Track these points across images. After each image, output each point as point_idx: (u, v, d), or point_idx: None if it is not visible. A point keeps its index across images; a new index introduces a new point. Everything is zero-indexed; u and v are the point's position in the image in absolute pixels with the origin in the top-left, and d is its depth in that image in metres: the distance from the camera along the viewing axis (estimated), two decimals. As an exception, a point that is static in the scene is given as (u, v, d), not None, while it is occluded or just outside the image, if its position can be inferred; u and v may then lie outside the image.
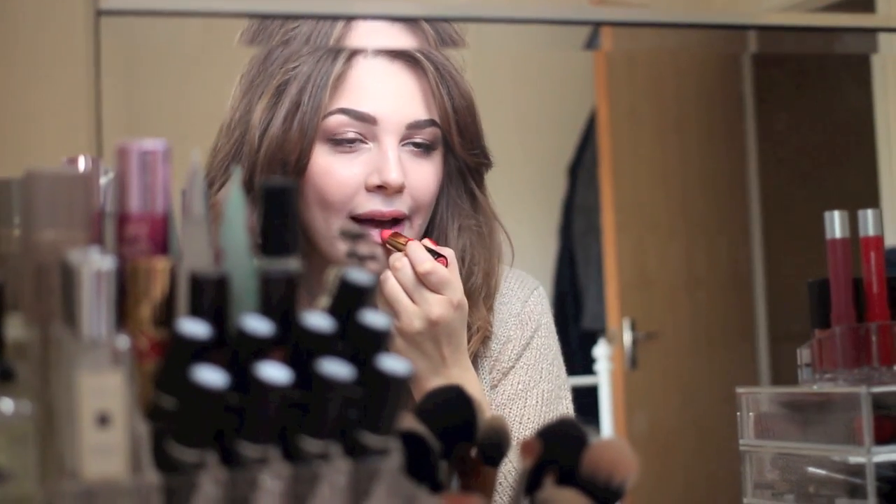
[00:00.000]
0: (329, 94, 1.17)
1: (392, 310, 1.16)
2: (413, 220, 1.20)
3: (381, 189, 1.18)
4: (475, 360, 1.25)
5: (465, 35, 1.26)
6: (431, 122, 1.20)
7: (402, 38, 1.22)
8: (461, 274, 1.21)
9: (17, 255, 0.76)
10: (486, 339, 1.26)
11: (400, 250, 1.17)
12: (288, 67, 1.19)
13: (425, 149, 1.21)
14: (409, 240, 1.17)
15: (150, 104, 3.50)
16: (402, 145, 1.19)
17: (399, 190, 1.18)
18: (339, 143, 1.18)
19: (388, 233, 1.19)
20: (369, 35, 1.21)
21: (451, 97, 1.21)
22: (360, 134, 1.18)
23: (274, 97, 1.18)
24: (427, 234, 1.24)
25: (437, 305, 1.14)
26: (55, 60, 3.17)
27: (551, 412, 1.26)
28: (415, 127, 1.19)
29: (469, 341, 1.22)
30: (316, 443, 0.67)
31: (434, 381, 1.15)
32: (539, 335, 1.28)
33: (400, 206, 1.18)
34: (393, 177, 1.17)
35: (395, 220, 1.19)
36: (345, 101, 1.18)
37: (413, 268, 1.15)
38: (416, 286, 1.15)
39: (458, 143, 1.22)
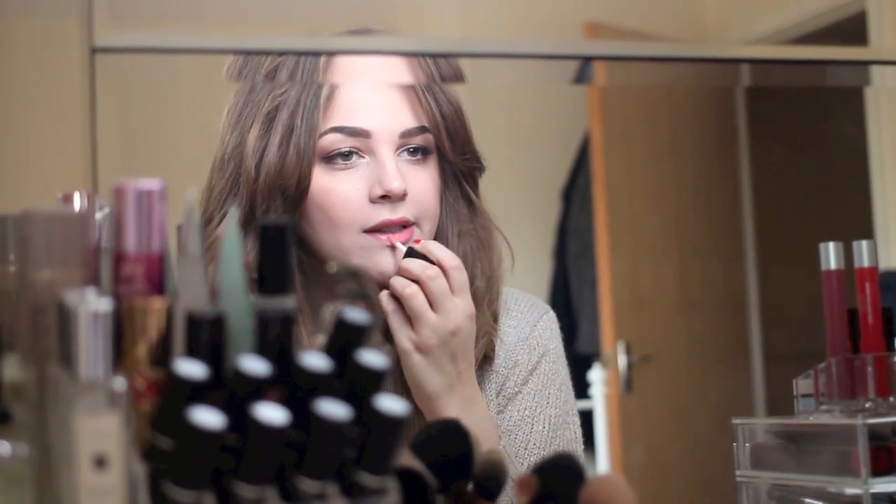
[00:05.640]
0: (322, 114, 1.18)
1: (413, 324, 1.17)
2: (421, 225, 1.22)
3: (385, 199, 1.19)
4: (480, 380, 1.25)
5: (461, 65, 1.27)
6: (423, 129, 1.22)
7: (387, 59, 1.23)
8: None
9: (12, 293, 0.76)
10: (490, 359, 1.26)
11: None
12: (276, 94, 1.20)
13: (421, 155, 1.22)
14: (417, 241, 1.19)
15: (144, 141, 3.50)
16: (398, 154, 1.21)
17: (402, 197, 1.19)
18: (336, 160, 1.19)
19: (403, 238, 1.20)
20: (356, 59, 1.22)
21: (438, 104, 1.22)
22: (355, 149, 1.20)
23: (265, 124, 1.19)
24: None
25: (455, 315, 1.16)
26: (50, 97, 3.18)
27: (558, 438, 1.26)
28: (407, 135, 1.21)
29: (475, 347, 1.23)
30: (313, 483, 0.67)
31: (448, 399, 1.16)
32: (546, 360, 1.29)
33: (405, 213, 1.20)
34: (395, 185, 1.18)
35: (405, 226, 1.20)
36: (337, 119, 1.19)
37: (441, 263, 1.17)
38: (442, 295, 1.16)
39: (449, 148, 1.23)
